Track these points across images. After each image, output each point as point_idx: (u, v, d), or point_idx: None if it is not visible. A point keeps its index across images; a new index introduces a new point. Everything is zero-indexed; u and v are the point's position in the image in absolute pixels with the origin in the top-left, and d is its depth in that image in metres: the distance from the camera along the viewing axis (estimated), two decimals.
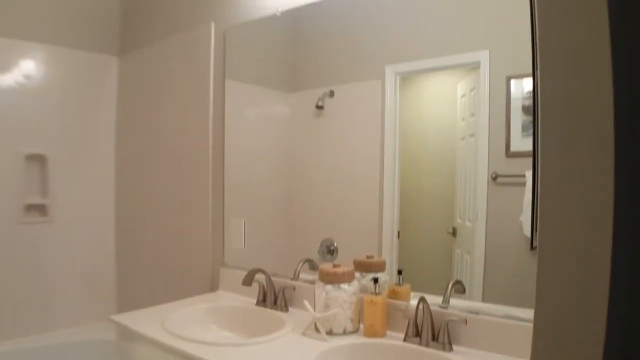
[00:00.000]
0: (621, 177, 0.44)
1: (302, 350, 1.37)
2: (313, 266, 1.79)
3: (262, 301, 1.81)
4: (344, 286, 1.50)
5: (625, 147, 0.44)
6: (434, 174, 1.63)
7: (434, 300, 1.40)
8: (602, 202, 0.45)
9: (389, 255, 1.61)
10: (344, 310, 1.49)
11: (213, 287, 2.13)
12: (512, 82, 1.36)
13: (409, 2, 1.56)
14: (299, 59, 1.94)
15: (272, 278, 1.80)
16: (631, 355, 0.46)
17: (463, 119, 1.51)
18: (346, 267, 1.53)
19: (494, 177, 1.39)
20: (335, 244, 1.76)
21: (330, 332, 1.48)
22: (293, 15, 1.88)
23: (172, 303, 1.86)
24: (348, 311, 1.50)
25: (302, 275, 1.80)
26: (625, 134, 0.44)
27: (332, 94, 1.78)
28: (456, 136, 1.53)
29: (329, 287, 1.50)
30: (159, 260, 2.45)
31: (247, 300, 1.89)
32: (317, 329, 1.48)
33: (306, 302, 1.53)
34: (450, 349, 1.32)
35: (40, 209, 2.50)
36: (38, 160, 2.48)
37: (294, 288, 1.76)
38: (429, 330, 1.35)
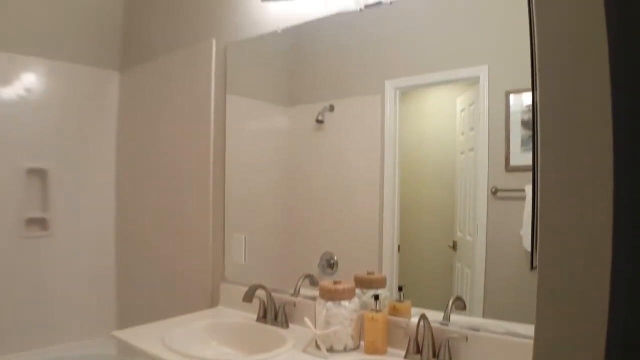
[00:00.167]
0: (621, 193, 0.43)
1: None
2: (314, 282, 1.78)
3: (263, 317, 1.80)
4: (345, 303, 1.49)
5: (625, 163, 0.44)
6: (434, 187, 1.63)
7: (434, 316, 1.40)
8: (602, 224, 0.45)
9: (390, 269, 1.60)
10: (345, 327, 1.48)
11: (213, 302, 2.12)
12: (512, 97, 1.37)
13: (408, 17, 1.57)
14: (299, 74, 1.94)
15: (273, 294, 1.79)
16: None
17: (463, 134, 1.51)
18: (347, 284, 1.52)
19: (494, 192, 1.38)
20: (336, 258, 1.76)
21: (331, 350, 1.47)
22: (294, 31, 1.89)
23: (172, 319, 1.86)
24: (349, 328, 1.49)
25: (303, 291, 1.79)
26: (625, 150, 0.44)
27: (332, 108, 1.78)
28: (456, 150, 1.53)
29: (329, 304, 1.49)
30: (159, 275, 2.44)
31: (247, 316, 1.88)
32: (318, 347, 1.47)
33: (307, 320, 1.52)
34: None
35: (41, 224, 2.50)
36: (39, 174, 2.48)
37: (295, 304, 1.75)
38: (430, 347, 1.35)
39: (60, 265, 2.55)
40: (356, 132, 1.72)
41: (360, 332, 1.52)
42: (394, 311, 1.52)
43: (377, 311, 1.46)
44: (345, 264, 1.74)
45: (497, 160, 1.38)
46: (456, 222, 1.53)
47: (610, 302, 0.44)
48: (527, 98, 1.34)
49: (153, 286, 2.49)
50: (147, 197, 2.55)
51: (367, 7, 1.65)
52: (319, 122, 1.82)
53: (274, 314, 1.77)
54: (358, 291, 1.56)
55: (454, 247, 1.53)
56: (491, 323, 1.35)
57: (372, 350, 1.45)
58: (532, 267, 1.25)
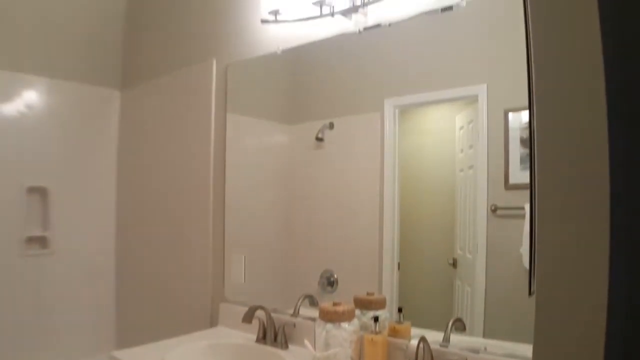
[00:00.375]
0: (617, 214, 0.43)
1: None
2: (313, 302, 1.77)
3: (262, 338, 1.78)
4: (345, 325, 1.47)
5: (622, 183, 0.43)
6: (433, 205, 1.62)
7: (434, 337, 1.38)
8: (599, 247, 0.44)
9: (389, 288, 1.59)
10: (345, 349, 1.46)
11: (213, 322, 2.11)
12: (510, 115, 1.36)
13: (407, 37, 1.58)
14: (299, 92, 1.95)
15: (272, 314, 1.78)
16: None
17: (462, 151, 1.51)
18: (346, 305, 1.51)
19: (494, 209, 1.37)
20: (335, 276, 1.75)
21: None
22: (293, 51, 1.90)
23: (171, 339, 1.84)
24: (348, 350, 1.47)
25: (302, 311, 1.78)
26: (621, 169, 0.43)
27: (331, 126, 1.78)
28: (455, 168, 1.53)
29: (329, 325, 1.47)
30: (159, 294, 2.43)
31: (246, 336, 1.87)
32: None
33: (307, 342, 1.50)
34: None
35: (41, 242, 2.49)
36: (39, 192, 2.49)
37: (294, 325, 1.74)
38: None
39: (60, 283, 2.54)
40: (356, 150, 1.72)
41: (359, 354, 1.50)
42: (394, 332, 1.50)
43: (377, 333, 1.44)
44: (345, 282, 1.73)
45: (496, 177, 1.38)
46: (456, 240, 1.52)
47: (606, 330, 0.43)
48: (525, 116, 1.33)
49: (152, 305, 2.47)
50: (147, 215, 2.55)
51: (366, 29, 1.67)
52: (319, 139, 1.82)
53: (274, 335, 1.75)
54: (357, 312, 1.55)
55: (454, 264, 1.52)
56: (491, 343, 1.33)
57: None
58: (530, 293, 1.23)
